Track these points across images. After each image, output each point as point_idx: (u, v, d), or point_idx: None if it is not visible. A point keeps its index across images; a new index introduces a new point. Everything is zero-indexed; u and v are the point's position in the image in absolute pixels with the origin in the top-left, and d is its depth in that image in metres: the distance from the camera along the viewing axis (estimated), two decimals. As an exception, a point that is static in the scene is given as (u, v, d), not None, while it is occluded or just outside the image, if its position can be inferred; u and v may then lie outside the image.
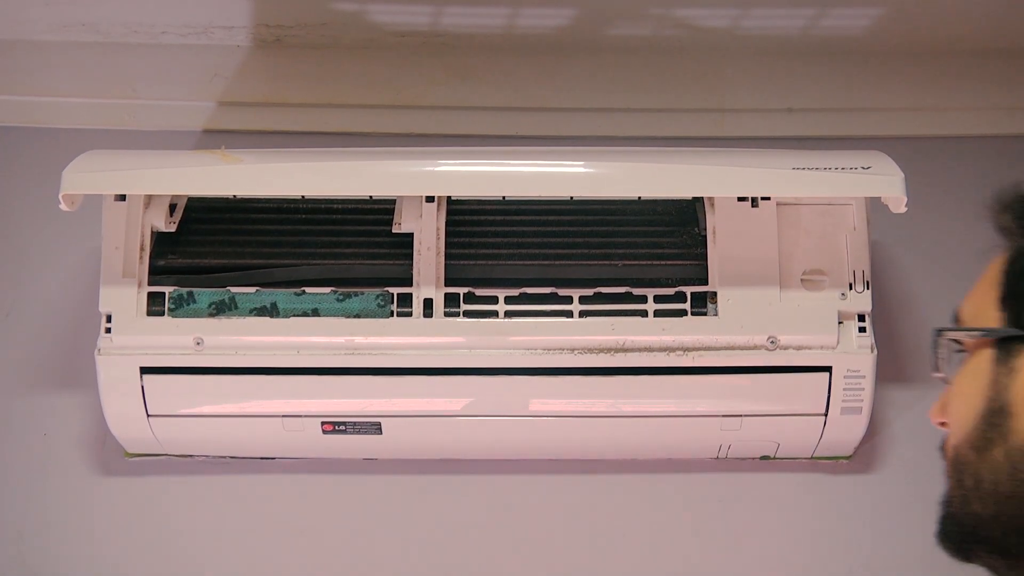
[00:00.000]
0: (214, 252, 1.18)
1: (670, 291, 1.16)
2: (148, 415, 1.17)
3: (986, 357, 0.82)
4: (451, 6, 1.35)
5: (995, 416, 0.80)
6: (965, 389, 0.84)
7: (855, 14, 1.38)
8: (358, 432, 1.19)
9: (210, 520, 1.25)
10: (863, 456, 1.27)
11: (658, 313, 1.15)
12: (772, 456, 1.25)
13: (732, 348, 1.15)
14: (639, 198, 1.21)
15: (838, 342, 1.15)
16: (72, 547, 1.24)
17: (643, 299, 1.16)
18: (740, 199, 1.17)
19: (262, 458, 1.26)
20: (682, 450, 1.24)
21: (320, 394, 1.17)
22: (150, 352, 1.15)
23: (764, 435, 1.20)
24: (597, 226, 1.19)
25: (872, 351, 1.15)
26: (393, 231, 1.17)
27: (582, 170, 1.11)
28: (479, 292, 1.16)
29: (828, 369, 1.15)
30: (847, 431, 1.19)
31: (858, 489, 1.26)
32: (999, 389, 0.80)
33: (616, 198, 1.21)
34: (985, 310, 0.84)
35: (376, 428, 1.19)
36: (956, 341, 0.85)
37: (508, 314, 1.15)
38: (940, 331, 0.86)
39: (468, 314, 1.15)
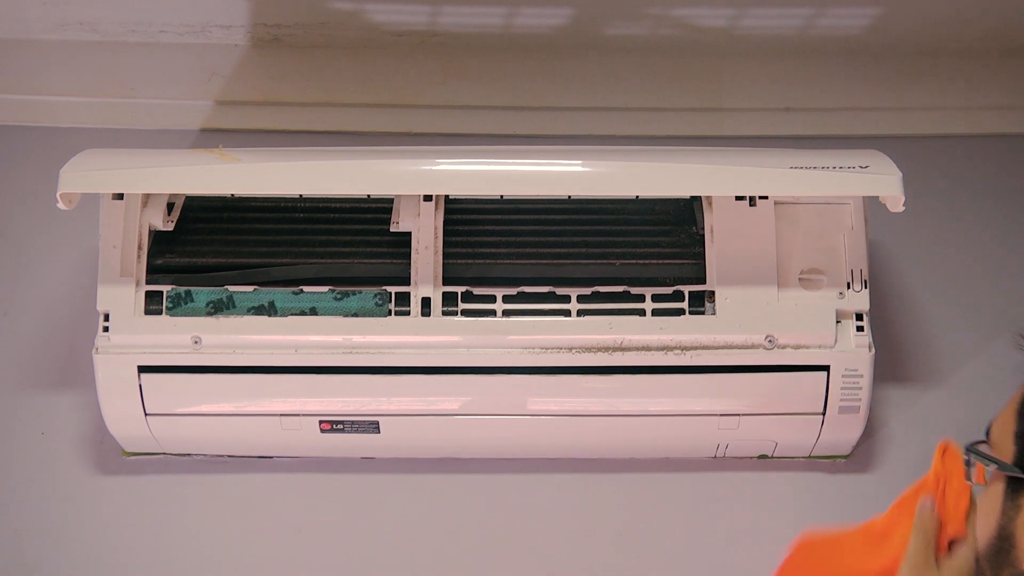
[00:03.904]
0: (212, 251, 1.18)
1: (668, 290, 1.16)
2: (146, 414, 1.17)
3: (999, 487, 0.85)
4: (448, 5, 1.35)
5: (1004, 543, 0.85)
6: (985, 508, 0.88)
7: (853, 13, 1.38)
8: (356, 431, 1.19)
9: (208, 519, 1.25)
10: (861, 455, 1.27)
11: (656, 312, 1.15)
12: (770, 455, 1.25)
13: (730, 347, 1.15)
14: (637, 197, 1.21)
15: (836, 341, 1.15)
16: (69, 545, 1.24)
17: (641, 298, 1.16)
18: (738, 198, 1.17)
19: (260, 457, 1.26)
20: (680, 449, 1.24)
21: (318, 393, 1.16)
22: (148, 351, 1.14)
23: (762, 434, 1.20)
24: (595, 225, 1.19)
25: (870, 350, 1.15)
26: (391, 230, 1.17)
27: (580, 169, 1.11)
28: (477, 291, 1.16)
29: (826, 368, 1.15)
30: (845, 430, 1.19)
31: (856, 488, 1.26)
32: (1006, 521, 0.84)
33: (614, 197, 1.21)
34: (1005, 439, 0.88)
35: (374, 427, 1.19)
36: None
37: (506, 313, 1.15)
38: (970, 448, 0.90)
39: (466, 313, 1.15)
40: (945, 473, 0.97)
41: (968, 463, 0.92)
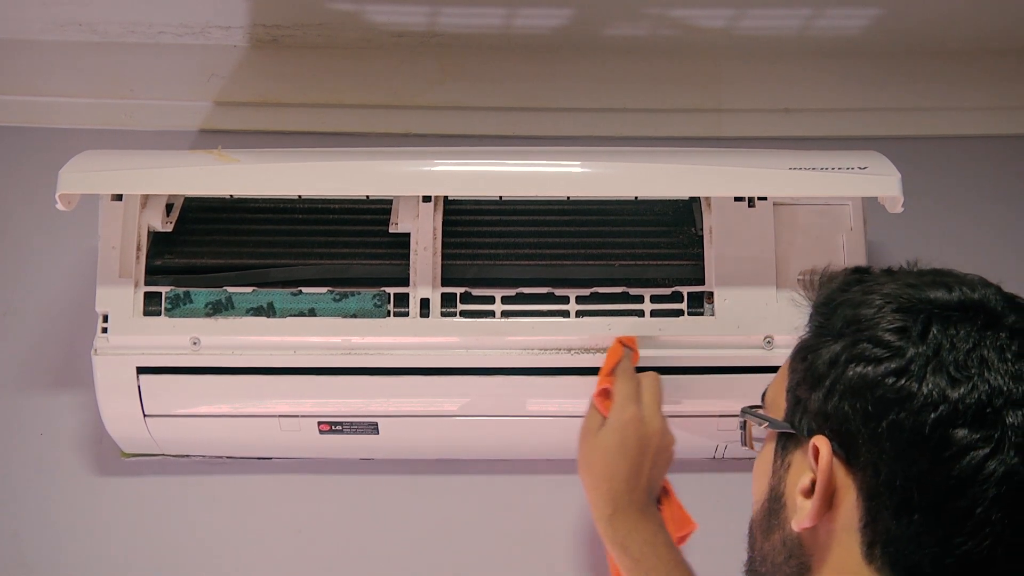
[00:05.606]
0: (211, 252, 1.18)
1: (667, 291, 1.16)
2: (144, 415, 1.17)
3: (771, 447, 0.84)
4: (448, 6, 1.35)
5: (774, 503, 0.83)
6: (759, 471, 0.87)
7: (851, 14, 1.38)
8: (355, 432, 1.19)
9: (206, 520, 1.25)
10: (859, 456, 1.26)
11: (655, 313, 1.15)
12: (769, 456, 1.25)
13: (728, 348, 1.15)
14: (636, 198, 1.21)
15: (834, 342, 1.15)
16: (68, 546, 1.24)
17: (640, 299, 1.16)
18: (737, 199, 1.17)
19: (259, 458, 1.26)
20: (679, 449, 1.24)
21: (317, 394, 1.16)
22: (147, 352, 1.15)
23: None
24: (594, 226, 1.19)
25: (868, 351, 1.15)
26: (390, 231, 1.17)
27: (579, 170, 1.11)
28: (476, 292, 1.16)
29: (825, 369, 1.15)
30: (843, 431, 1.19)
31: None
32: (776, 481, 0.83)
33: (613, 198, 1.21)
34: (778, 397, 0.87)
35: (373, 428, 1.19)
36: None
37: (505, 314, 1.15)
38: (744, 411, 0.89)
39: (465, 314, 1.15)
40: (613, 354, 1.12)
41: (743, 426, 0.91)
